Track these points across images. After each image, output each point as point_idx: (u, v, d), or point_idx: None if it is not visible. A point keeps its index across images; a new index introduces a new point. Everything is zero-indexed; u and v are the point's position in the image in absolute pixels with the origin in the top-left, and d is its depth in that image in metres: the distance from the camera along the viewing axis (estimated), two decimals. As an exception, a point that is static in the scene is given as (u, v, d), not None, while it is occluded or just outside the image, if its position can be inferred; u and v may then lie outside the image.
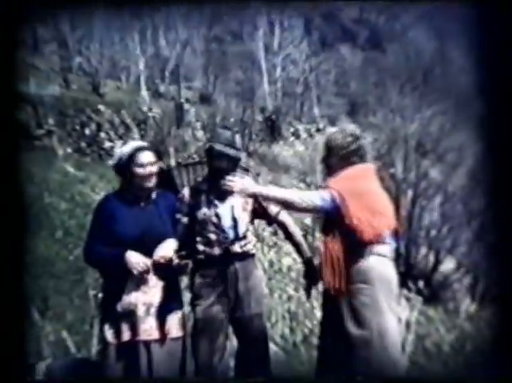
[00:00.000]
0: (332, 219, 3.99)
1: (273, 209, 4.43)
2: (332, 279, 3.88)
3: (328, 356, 4.05)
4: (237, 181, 4.07)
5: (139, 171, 4.11)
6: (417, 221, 17.94)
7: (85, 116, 20.34)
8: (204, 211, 4.31)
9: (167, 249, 4.07)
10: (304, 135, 29.54)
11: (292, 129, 30.03)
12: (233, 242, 4.30)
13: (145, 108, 22.31)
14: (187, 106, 25.92)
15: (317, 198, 4.01)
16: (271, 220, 4.49)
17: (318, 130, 28.21)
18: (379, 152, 18.79)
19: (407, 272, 16.27)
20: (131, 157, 4.12)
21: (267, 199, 4.17)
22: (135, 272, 3.97)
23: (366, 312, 3.90)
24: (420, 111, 20.83)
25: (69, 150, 17.90)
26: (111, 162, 4.20)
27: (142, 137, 18.56)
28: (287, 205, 4.15)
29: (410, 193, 18.20)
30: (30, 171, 13.15)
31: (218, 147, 4.26)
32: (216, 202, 4.33)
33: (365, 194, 4.01)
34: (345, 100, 38.52)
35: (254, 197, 4.19)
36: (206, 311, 4.28)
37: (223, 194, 4.31)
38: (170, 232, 4.18)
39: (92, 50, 30.43)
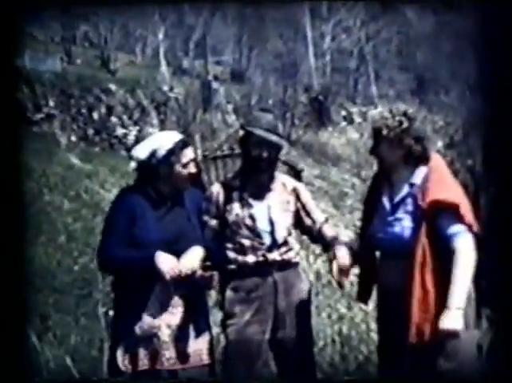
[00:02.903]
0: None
1: (319, 217, 4.45)
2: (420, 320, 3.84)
3: None
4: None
5: (182, 171, 4.10)
6: (500, 225, 17.75)
7: (93, 96, 20.54)
8: (236, 212, 4.33)
9: (193, 259, 4.02)
10: (358, 119, 29.45)
11: (343, 112, 29.98)
12: (270, 248, 4.32)
13: (165, 88, 22.47)
14: (215, 85, 26.05)
15: None
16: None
17: (376, 113, 28.06)
18: (452, 138, 18.65)
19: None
20: (172, 154, 4.06)
21: None
22: (167, 277, 3.90)
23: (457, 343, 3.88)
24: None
25: (74, 138, 18.08)
26: (138, 156, 4.09)
27: (162, 123, 18.67)
28: None
29: (492, 190, 17.98)
30: (27, 164, 13.35)
31: (259, 132, 4.28)
32: (250, 201, 4.34)
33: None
34: (410, 75, 38.33)
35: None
36: (240, 332, 4.29)
37: (259, 191, 4.33)
38: (200, 238, 4.16)
39: (100, 16, 30.65)
